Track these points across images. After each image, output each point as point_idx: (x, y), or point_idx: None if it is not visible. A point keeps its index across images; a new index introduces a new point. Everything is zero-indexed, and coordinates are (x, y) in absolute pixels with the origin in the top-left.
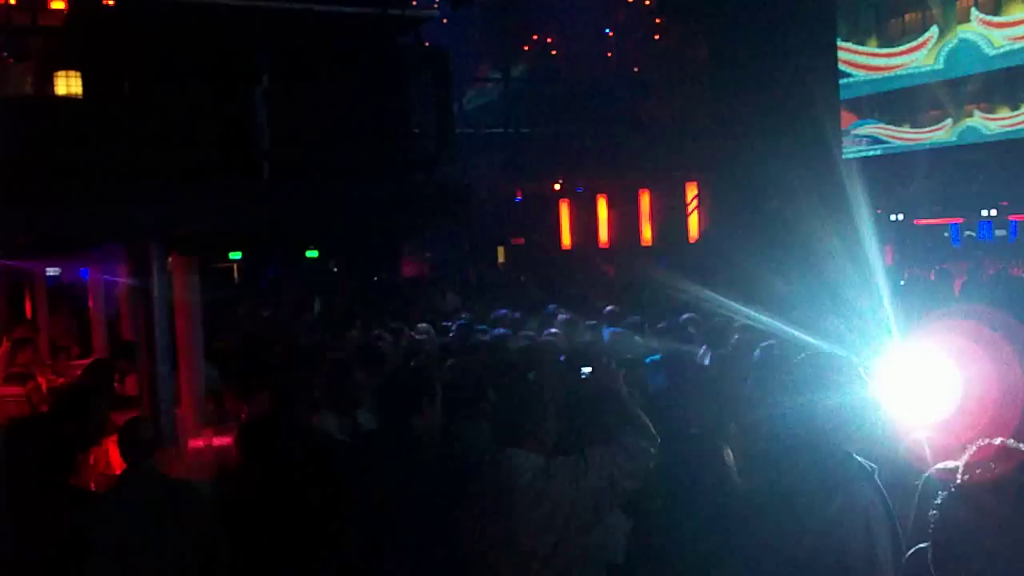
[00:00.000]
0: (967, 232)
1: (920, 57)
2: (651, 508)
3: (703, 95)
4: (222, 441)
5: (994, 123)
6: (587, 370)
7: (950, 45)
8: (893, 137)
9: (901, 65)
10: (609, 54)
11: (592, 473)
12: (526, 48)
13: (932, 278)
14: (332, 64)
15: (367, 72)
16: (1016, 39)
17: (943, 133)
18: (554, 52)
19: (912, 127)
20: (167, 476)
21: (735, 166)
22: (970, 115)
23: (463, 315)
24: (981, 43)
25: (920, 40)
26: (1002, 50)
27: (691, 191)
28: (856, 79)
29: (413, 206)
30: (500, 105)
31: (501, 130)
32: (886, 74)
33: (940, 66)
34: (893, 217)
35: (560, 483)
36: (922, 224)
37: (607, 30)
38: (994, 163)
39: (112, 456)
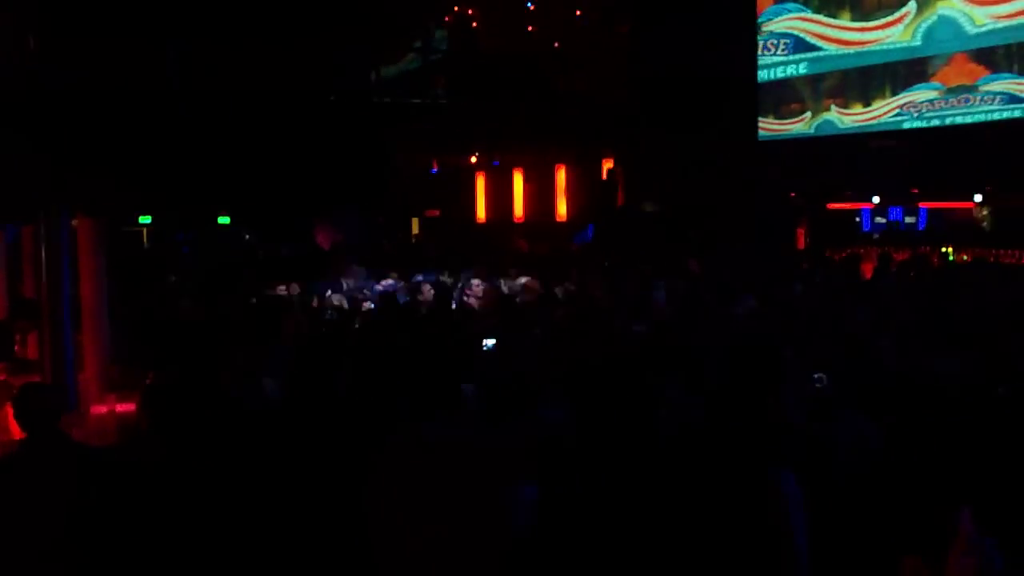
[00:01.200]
0: (878, 218)
1: (896, 33)
2: (564, 477)
3: (623, 71)
4: (125, 407)
5: (848, 118)
6: (490, 342)
7: (929, 21)
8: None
9: (876, 40)
10: (530, 28)
11: (507, 443)
12: (446, 19)
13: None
14: (249, 26)
15: (286, 37)
16: (1001, 17)
17: (802, 125)
18: (474, 24)
19: (775, 118)
20: (76, 442)
21: (653, 143)
22: (827, 109)
23: (382, 284)
24: (962, 20)
25: (897, 15)
26: (984, 29)
27: (607, 168)
28: (828, 53)
29: (327, 173)
30: (418, 76)
31: (418, 101)
32: (859, 49)
33: (917, 43)
34: None
35: (477, 454)
36: (834, 208)
37: (528, 3)
38: (906, 151)
39: (11, 422)
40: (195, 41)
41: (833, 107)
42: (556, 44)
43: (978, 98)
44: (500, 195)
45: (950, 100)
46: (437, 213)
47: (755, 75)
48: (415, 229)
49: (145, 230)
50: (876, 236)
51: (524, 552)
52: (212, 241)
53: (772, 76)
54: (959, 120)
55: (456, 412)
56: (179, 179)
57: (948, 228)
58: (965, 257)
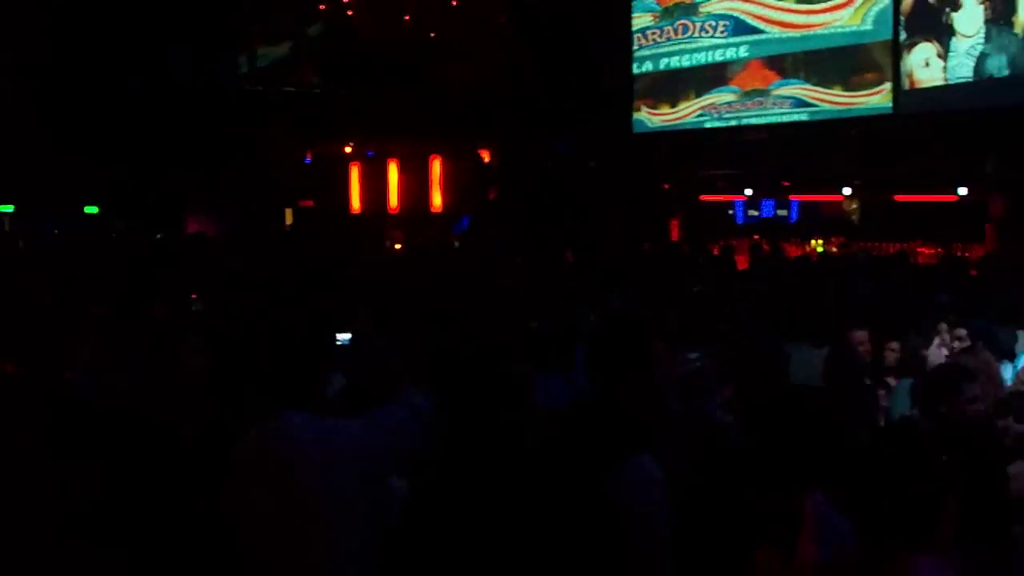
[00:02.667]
0: (751, 211)
1: (844, 16)
2: (431, 470)
3: (501, 63)
4: None
5: (656, 118)
6: (345, 336)
7: (880, 5)
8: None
9: (822, 24)
10: (407, 17)
11: (375, 433)
12: (322, 7)
13: (716, 253)
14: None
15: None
16: None
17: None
18: (350, 12)
19: None
20: None
21: (530, 135)
22: (638, 109)
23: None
24: None
25: None
26: None
27: (483, 159)
28: (770, 36)
29: (196, 157)
30: (292, 63)
31: (292, 88)
32: (805, 32)
33: (868, 27)
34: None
35: (341, 444)
36: (707, 201)
37: None
38: (778, 145)
39: None
40: (68, 28)
41: (643, 108)
42: (433, 34)
43: (770, 101)
44: (375, 186)
45: (746, 103)
46: (311, 203)
47: (631, 66)
48: (289, 219)
49: (7, 219)
50: (751, 228)
51: (393, 545)
52: (78, 231)
53: (710, 59)
54: (754, 121)
55: (321, 402)
56: (42, 168)
57: (818, 221)
58: (834, 249)
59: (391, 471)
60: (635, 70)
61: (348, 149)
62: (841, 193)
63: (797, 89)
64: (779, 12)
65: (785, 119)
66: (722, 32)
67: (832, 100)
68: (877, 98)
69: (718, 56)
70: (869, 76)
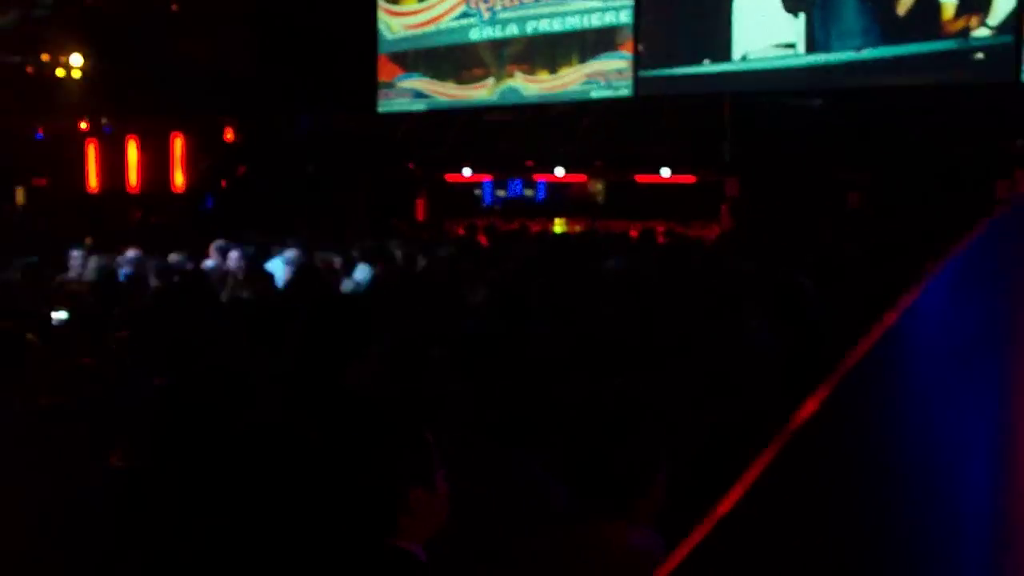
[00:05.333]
0: (499, 191)
1: None
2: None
3: (247, 38)
4: None
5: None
6: (61, 316)
7: None
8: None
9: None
10: None
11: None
12: None
13: (461, 232)
14: None
15: None
16: None
17: (485, 92)
18: None
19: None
20: None
21: (276, 113)
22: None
23: None
24: None
25: None
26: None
27: (227, 136)
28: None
29: None
30: (22, 32)
31: (19, 59)
32: None
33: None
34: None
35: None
36: (453, 181)
37: None
38: (522, 124)
39: None
40: None
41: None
42: (174, 7)
43: (392, 93)
44: (113, 164)
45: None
46: (44, 182)
47: (376, 45)
48: (20, 199)
49: None
50: (497, 208)
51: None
52: None
53: (587, 25)
54: (383, 110)
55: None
56: None
57: (565, 201)
58: (578, 228)
59: (97, 455)
60: (496, 35)
61: (83, 125)
62: (584, 174)
63: (416, 82)
64: None
65: (406, 109)
66: None
67: (444, 93)
68: (484, 91)
69: (595, 21)
70: (476, 72)
